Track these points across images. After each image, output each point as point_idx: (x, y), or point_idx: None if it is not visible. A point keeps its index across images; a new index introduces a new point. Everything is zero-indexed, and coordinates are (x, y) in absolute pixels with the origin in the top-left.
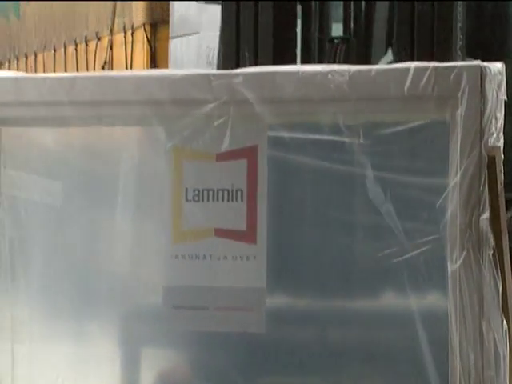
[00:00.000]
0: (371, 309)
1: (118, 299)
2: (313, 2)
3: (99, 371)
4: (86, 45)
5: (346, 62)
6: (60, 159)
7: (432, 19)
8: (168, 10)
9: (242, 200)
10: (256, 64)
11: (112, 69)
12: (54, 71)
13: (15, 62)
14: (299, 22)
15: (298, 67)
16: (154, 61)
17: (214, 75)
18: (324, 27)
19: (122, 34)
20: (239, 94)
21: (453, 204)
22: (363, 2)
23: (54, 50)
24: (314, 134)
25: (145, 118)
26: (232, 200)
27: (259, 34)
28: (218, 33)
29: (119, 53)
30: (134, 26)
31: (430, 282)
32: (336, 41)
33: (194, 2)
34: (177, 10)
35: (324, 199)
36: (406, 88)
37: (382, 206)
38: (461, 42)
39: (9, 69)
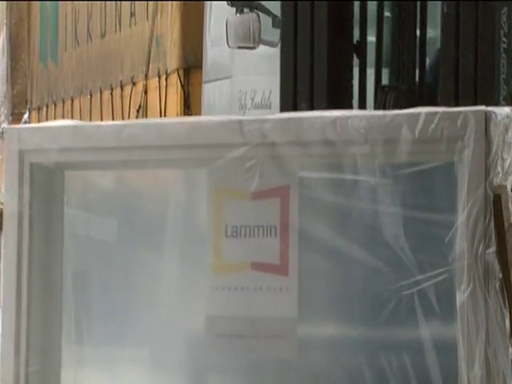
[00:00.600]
0: (386, 337)
1: (165, 328)
2: (368, 50)
3: None
4: (122, 90)
5: (395, 108)
6: (115, 199)
7: (475, 70)
8: (201, 55)
9: (275, 235)
10: None
11: (146, 113)
12: (90, 116)
13: (53, 107)
14: (355, 70)
15: (321, 113)
16: (188, 105)
17: (245, 121)
18: (377, 75)
19: (157, 79)
20: (269, 138)
21: (460, 239)
22: (416, 52)
23: (90, 95)
24: (336, 173)
25: (187, 161)
26: (266, 235)
27: (314, 83)
28: (249, 77)
29: (153, 97)
30: (168, 71)
31: (440, 311)
32: (386, 88)
33: (227, 47)
34: (209, 55)
35: (345, 234)
36: (417, 131)
37: (395, 241)
38: (504, 92)
39: (47, 114)
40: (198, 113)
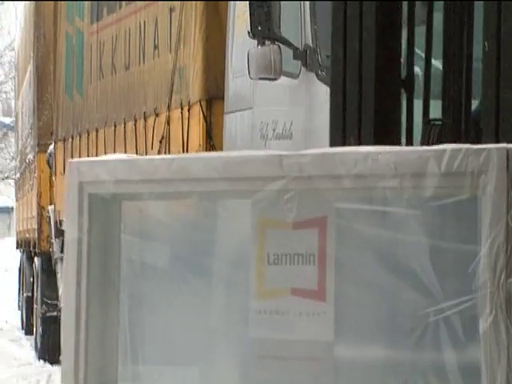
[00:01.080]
0: (413, 360)
1: (212, 349)
2: (416, 85)
3: None
4: (145, 120)
5: (439, 143)
6: (167, 228)
7: None
8: (223, 86)
9: (313, 263)
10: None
11: (169, 143)
12: (114, 146)
13: (78, 137)
14: (403, 104)
15: (354, 148)
16: (210, 135)
17: (284, 156)
18: (425, 109)
19: (179, 110)
20: (306, 172)
21: (483, 268)
22: (463, 89)
23: (115, 126)
24: (368, 205)
25: (231, 193)
26: (305, 263)
27: (362, 118)
28: (270, 108)
29: (176, 127)
30: (191, 102)
31: (464, 337)
32: (432, 122)
33: (249, 78)
34: (231, 86)
35: (376, 262)
36: (443, 166)
37: (422, 270)
38: None
39: (72, 145)
40: (220, 143)
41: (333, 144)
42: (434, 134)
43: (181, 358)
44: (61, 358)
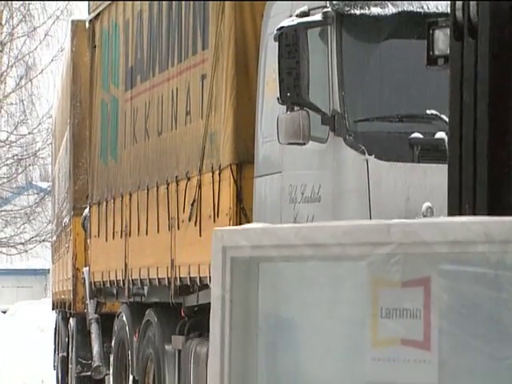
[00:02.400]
0: None
1: None
2: None
3: None
4: (177, 184)
5: None
6: (296, 286)
7: None
8: (253, 150)
9: (420, 317)
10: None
11: (200, 206)
12: (147, 210)
13: (112, 201)
14: None
15: (450, 218)
16: (240, 199)
17: (392, 224)
18: None
19: (210, 174)
20: (411, 238)
21: None
22: None
23: (147, 190)
24: (465, 267)
25: (348, 256)
26: (413, 317)
27: (477, 189)
28: (299, 172)
29: (207, 191)
30: (221, 167)
31: None
32: None
33: (278, 143)
34: (261, 150)
35: (473, 316)
36: None
37: None
38: None
39: (106, 208)
40: (250, 206)
41: (450, 208)
42: None
43: None
44: None
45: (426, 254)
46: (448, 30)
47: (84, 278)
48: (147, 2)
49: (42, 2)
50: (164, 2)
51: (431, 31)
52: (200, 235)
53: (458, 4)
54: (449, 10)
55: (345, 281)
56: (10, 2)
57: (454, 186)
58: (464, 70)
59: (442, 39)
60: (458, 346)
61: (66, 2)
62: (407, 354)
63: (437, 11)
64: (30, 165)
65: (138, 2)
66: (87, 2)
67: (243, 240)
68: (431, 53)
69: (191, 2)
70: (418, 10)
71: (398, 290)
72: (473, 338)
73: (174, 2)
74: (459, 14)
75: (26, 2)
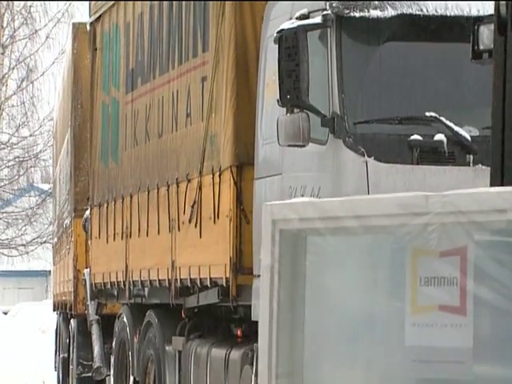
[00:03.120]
0: None
1: (378, 352)
2: None
3: None
4: (177, 186)
5: None
6: (342, 257)
7: None
8: (253, 152)
9: (456, 285)
10: None
11: (201, 208)
12: (148, 211)
13: (113, 203)
14: None
15: (488, 189)
16: (240, 200)
17: (430, 195)
18: None
19: (211, 176)
20: (448, 208)
21: None
22: None
23: (148, 192)
24: (504, 235)
25: (391, 226)
26: (449, 284)
27: None
28: (299, 174)
29: (207, 193)
30: (222, 168)
31: None
32: None
33: (278, 145)
34: (261, 152)
35: (510, 281)
36: None
37: None
38: None
39: (107, 210)
40: (250, 208)
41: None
42: None
43: (350, 360)
44: (259, 360)
45: (462, 224)
46: (492, 26)
47: (85, 280)
48: (148, 4)
49: (43, 5)
50: (164, 5)
51: (476, 27)
52: (200, 237)
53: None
54: (447, 13)
55: (386, 251)
56: (11, 5)
57: (496, 178)
58: (507, 63)
59: (486, 34)
60: (493, 312)
61: (67, 5)
62: (444, 319)
63: (435, 14)
64: (31, 167)
65: (139, 4)
66: (88, 5)
67: (291, 213)
68: (476, 47)
69: (191, 5)
70: (417, 12)
71: (435, 259)
72: (506, 303)
73: (174, 4)
74: (503, 10)
75: (28, 5)
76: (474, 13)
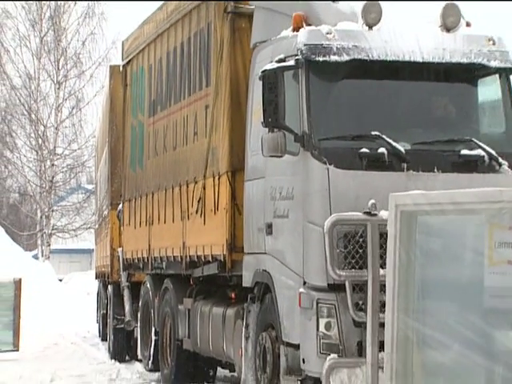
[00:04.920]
0: None
1: (465, 295)
2: None
3: None
4: (187, 186)
5: None
6: (439, 235)
7: None
8: (243, 161)
9: None
10: None
11: (204, 203)
12: (165, 205)
13: (139, 199)
14: None
15: None
16: (234, 197)
17: (503, 190)
18: None
19: (212, 179)
20: None
21: None
22: None
23: (165, 190)
24: None
25: (476, 210)
26: None
27: None
28: (278, 177)
29: (209, 192)
30: (220, 173)
31: None
32: None
33: (262, 156)
34: (250, 161)
35: None
36: None
37: None
38: None
39: (135, 204)
40: (241, 203)
41: None
42: None
43: (448, 298)
44: (386, 297)
45: None
46: None
47: (118, 256)
48: (165, 51)
49: (88, 52)
50: (178, 51)
51: None
52: (204, 224)
53: None
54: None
55: (472, 226)
56: (65, 52)
57: None
58: None
59: None
60: None
61: (107, 52)
62: (511, 269)
63: (378, 59)
64: (79, 172)
65: (159, 51)
66: (121, 52)
67: (408, 200)
68: None
69: (198, 51)
70: (365, 57)
71: (506, 231)
72: None
73: (185, 51)
74: None
75: (77, 52)
76: (409, 58)
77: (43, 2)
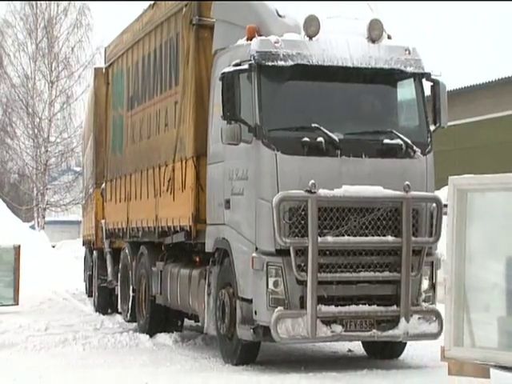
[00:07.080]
0: None
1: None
2: None
3: None
4: (159, 169)
5: None
6: (484, 204)
7: None
8: (206, 148)
9: None
10: None
11: (174, 183)
12: (141, 185)
13: (119, 179)
14: None
15: None
16: (198, 178)
17: None
18: None
19: (180, 163)
20: None
21: None
22: None
23: (141, 172)
24: None
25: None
26: None
27: None
28: (234, 161)
29: (178, 173)
30: (187, 158)
31: None
32: None
33: (221, 143)
34: (211, 147)
35: None
36: None
37: None
38: None
39: (116, 183)
40: (205, 183)
41: None
42: None
43: (493, 260)
44: (447, 255)
45: None
46: None
47: (102, 226)
48: (141, 56)
49: (76, 57)
50: (151, 56)
51: None
52: (173, 200)
53: None
54: (324, 63)
55: (509, 202)
56: (57, 57)
57: None
58: None
59: None
60: None
61: (92, 57)
62: None
63: (317, 64)
64: (69, 156)
65: (135, 56)
66: (104, 56)
67: (463, 181)
68: None
69: (168, 55)
70: (306, 63)
71: None
72: None
73: (157, 56)
74: None
75: (67, 57)
76: (342, 64)
77: (38, 14)
